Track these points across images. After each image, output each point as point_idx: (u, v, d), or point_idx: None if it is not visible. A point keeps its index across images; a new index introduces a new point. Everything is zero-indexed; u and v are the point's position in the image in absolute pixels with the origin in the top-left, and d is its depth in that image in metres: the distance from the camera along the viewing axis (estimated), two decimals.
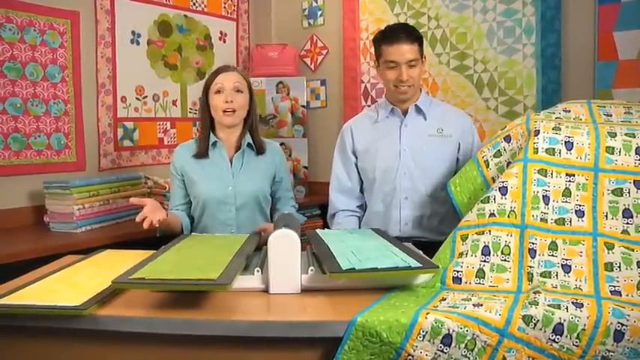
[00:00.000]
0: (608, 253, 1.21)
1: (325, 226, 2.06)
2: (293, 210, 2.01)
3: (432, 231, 1.85)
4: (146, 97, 2.97)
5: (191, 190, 1.91)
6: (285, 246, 1.23)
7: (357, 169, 1.98)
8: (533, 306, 1.06)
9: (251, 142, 1.91)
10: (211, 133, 1.90)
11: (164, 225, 1.70)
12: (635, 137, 1.32)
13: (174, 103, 3.12)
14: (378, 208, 1.91)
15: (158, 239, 1.78)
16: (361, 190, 2.00)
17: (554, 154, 1.34)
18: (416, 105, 1.89)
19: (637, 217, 1.24)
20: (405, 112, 1.90)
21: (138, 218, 1.59)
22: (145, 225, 1.57)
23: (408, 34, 1.81)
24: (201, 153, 1.89)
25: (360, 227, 1.97)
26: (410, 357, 1.04)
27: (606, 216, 1.26)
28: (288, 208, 1.99)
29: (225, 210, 1.86)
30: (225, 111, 1.83)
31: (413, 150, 1.86)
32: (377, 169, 1.89)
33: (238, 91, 1.84)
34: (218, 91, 1.84)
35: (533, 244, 1.26)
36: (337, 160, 2.02)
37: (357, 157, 1.97)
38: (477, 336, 1.03)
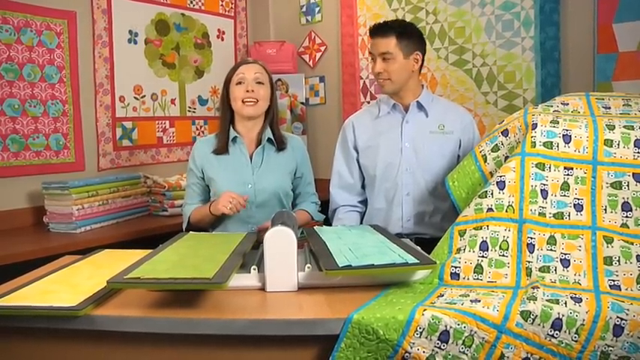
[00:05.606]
0: (608, 246, 1.20)
1: (326, 222, 2.04)
2: (314, 207, 1.97)
3: (434, 227, 1.83)
4: (144, 96, 2.97)
5: (210, 186, 1.87)
6: (281, 243, 1.22)
7: (359, 164, 1.97)
8: (532, 301, 1.05)
9: (271, 137, 1.87)
10: (231, 128, 1.86)
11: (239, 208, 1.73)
12: (633, 129, 1.30)
13: (172, 102, 3.11)
14: (380, 205, 1.90)
15: (157, 239, 1.78)
16: (363, 186, 1.99)
17: (552, 148, 1.33)
18: (417, 101, 1.88)
19: (636, 210, 1.23)
20: (406, 109, 1.89)
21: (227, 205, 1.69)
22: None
23: (384, 28, 1.83)
24: (221, 149, 1.85)
25: (361, 224, 1.96)
26: (407, 354, 1.03)
27: (605, 209, 1.25)
28: (308, 204, 1.96)
29: (245, 208, 1.81)
30: (245, 101, 1.80)
31: (414, 146, 1.85)
32: (378, 166, 1.88)
33: (260, 82, 1.82)
34: (239, 82, 1.81)
35: (531, 238, 1.24)
36: (339, 155, 2.01)
37: (358, 153, 1.96)
38: (475, 332, 1.02)
